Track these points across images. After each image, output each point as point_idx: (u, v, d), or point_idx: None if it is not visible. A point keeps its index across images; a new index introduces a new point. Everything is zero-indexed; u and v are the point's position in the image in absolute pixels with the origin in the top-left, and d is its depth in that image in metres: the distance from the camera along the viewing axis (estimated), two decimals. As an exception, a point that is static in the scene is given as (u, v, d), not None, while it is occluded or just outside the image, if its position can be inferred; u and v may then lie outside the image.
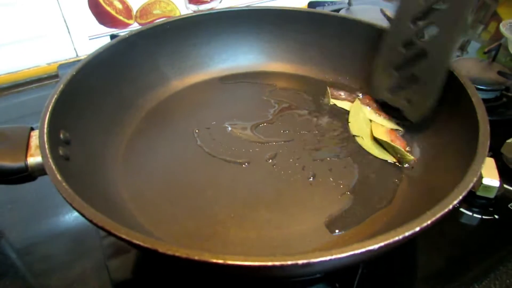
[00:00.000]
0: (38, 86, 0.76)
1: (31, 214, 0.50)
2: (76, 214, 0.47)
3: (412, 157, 0.47)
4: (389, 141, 0.49)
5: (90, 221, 0.28)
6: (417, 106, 0.49)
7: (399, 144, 0.49)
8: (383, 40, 0.52)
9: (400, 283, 0.41)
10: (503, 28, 0.79)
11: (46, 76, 0.78)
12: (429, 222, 0.27)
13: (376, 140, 0.51)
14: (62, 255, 0.44)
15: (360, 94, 0.58)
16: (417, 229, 0.26)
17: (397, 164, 0.48)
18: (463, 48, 0.86)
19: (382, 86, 0.53)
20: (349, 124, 0.54)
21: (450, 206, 0.28)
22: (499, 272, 0.43)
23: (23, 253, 0.45)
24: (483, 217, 0.48)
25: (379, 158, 0.49)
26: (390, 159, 0.49)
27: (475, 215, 0.48)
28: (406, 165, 0.47)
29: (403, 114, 0.52)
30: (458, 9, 0.43)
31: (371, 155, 0.49)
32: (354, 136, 0.52)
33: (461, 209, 0.49)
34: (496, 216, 0.48)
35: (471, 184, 0.30)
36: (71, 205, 0.30)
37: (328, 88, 0.58)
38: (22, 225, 0.48)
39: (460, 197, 0.29)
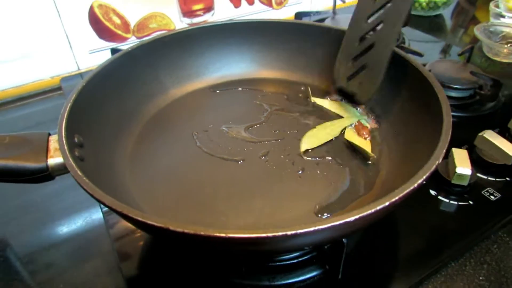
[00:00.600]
0: (42, 99, 0.79)
1: (37, 223, 0.52)
2: (81, 220, 0.52)
3: (372, 154, 0.52)
4: (355, 143, 0.53)
5: (110, 207, 0.32)
6: (367, 87, 0.56)
7: (364, 144, 0.54)
8: (345, 37, 0.58)
9: (383, 263, 0.45)
10: (477, 31, 0.84)
11: (49, 89, 0.81)
12: (397, 197, 0.31)
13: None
14: (69, 261, 0.47)
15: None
16: (387, 203, 0.31)
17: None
18: (445, 52, 0.91)
19: (341, 76, 0.59)
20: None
21: (415, 184, 0.32)
22: (473, 251, 0.47)
23: (28, 261, 0.47)
24: (459, 203, 0.52)
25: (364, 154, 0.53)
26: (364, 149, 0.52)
27: (452, 202, 0.52)
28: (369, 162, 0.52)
29: (356, 98, 0.58)
30: (401, 6, 0.51)
31: (353, 150, 0.53)
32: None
33: (440, 197, 0.52)
34: (471, 202, 0.52)
35: (434, 166, 0.34)
36: (92, 195, 0.34)
37: (308, 87, 0.63)
38: (28, 233, 0.51)
39: (424, 177, 0.33)
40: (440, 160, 0.36)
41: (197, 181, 0.49)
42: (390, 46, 0.53)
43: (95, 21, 0.81)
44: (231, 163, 0.51)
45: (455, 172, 0.52)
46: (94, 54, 0.84)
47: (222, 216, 0.44)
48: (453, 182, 0.53)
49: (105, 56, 0.82)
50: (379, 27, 0.54)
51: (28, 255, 0.48)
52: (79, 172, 0.36)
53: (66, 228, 0.51)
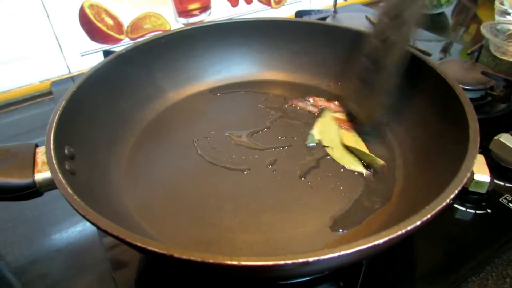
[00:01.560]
0: (32, 104, 0.76)
1: (30, 233, 0.49)
2: (76, 229, 0.49)
3: (382, 162, 0.48)
4: (357, 147, 0.50)
5: (105, 231, 0.29)
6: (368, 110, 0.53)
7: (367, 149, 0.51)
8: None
9: (401, 279, 0.42)
10: (483, 30, 0.82)
11: (39, 93, 0.78)
12: (429, 215, 0.28)
13: (347, 149, 0.51)
14: (63, 272, 0.45)
15: (332, 104, 0.59)
16: (418, 223, 0.27)
17: (367, 170, 0.49)
18: (446, 50, 0.89)
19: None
20: (321, 136, 0.54)
21: (448, 200, 0.29)
22: (495, 264, 0.44)
23: (21, 271, 0.45)
24: (477, 212, 0.49)
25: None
26: (359, 169, 0.49)
27: (468, 210, 0.49)
28: (369, 171, 0.49)
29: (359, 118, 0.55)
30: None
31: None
32: (324, 147, 0.52)
33: (455, 205, 0.50)
34: (489, 210, 0.49)
35: (466, 179, 0.31)
36: (84, 217, 0.31)
37: (290, 100, 0.59)
38: (22, 243, 0.48)
39: (456, 191, 0.30)
40: (471, 172, 0.32)
41: (199, 193, 0.46)
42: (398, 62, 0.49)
43: (86, 22, 0.78)
44: (236, 173, 0.48)
45: (473, 179, 0.49)
46: (86, 57, 0.82)
47: (228, 233, 0.41)
48: (470, 189, 0.50)
49: (98, 58, 0.79)
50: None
51: (20, 266, 0.46)
52: (69, 189, 0.33)
53: (59, 237, 0.48)
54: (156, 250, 0.27)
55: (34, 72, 0.78)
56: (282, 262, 0.25)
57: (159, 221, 0.42)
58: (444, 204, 0.29)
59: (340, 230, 0.41)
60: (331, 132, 0.55)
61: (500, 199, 0.51)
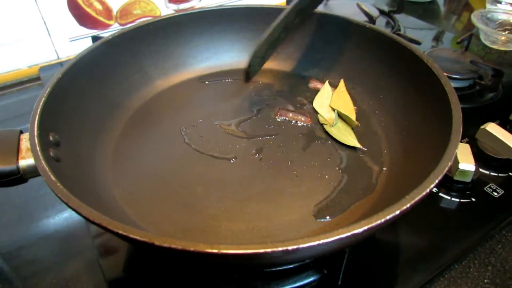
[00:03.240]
0: (20, 90, 0.75)
1: (17, 218, 0.49)
2: (64, 215, 0.48)
3: (356, 123, 0.52)
4: (339, 109, 0.52)
5: (87, 218, 0.29)
6: None
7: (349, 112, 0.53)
8: None
9: (384, 266, 0.43)
10: (474, 18, 0.82)
11: (27, 79, 0.77)
12: (408, 205, 0.28)
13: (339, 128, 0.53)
14: (52, 256, 0.45)
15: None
16: (397, 212, 0.28)
17: (359, 148, 0.50)
18: (438, 39, 0.89)
19: None
20: (313, 101, 0.57)
21: (427, 190, 0.30)
22: (477, 252, 0.45)
23: (10, 256, 0.45)
24: (461, 200, 0.50)
25: (362, 150, 0.50)
26: (351, 143, 0.50)
27: (453, 199, 0.50)
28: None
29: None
30: None
31: (353, 147, 0.50)
32: (322, 124, 0.54)
33: (440, 194, 0.50)
34: (473, 199, 0.50)
35: (446, 169, 0.31)
36: (67, 204, 0.31)
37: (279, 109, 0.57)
38: (9, 229, 0.48)
39: (436, 181, 0.30)
40: (452, 162, 0.33)
41: (185, 181, 0.46)
42: None
43: (74, 6, 0.77)
44: (222, 162, 0.48)
45: (458, 168, 0.49)
46: (74, 42, 0.80)
47: (213, 221, 0.41)
48: (455, 178, 0.50)
49: (86, 44, 0.77)
50: None
51: (8, 252, 0.46)
52: (52, 177, 0.32)
53: (46, 223, 0.48)
54: (138, 238, 0.27)
55: (22, 57, 0.76)
56: (261, 251, 0.26)
57: (145, 209, 0.42)
58: (423, 194, 0.29)
59: (325, 218, 0.41)
60: (324, 97, 0.57)
61: (485, 188, 0.51)
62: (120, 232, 0.28)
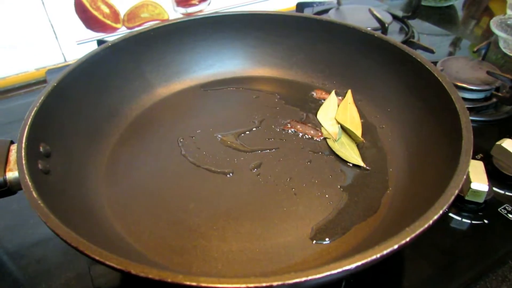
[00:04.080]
0: (27, 92, 0.76)
1: (18, 221, 0.48)
2: None
3: (361, 139, 0.50)
4: (345, 123, 0.51)
5: (64, 240, 0.28)
6: None
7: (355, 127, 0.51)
8: None
9: (387, 293, 0.40)
10: (493, 25, 0.78)
11: (34, 81, 0.78)
12: (407, 239, 0.26)
13: (343, 144, 0.51)
14: (54, 258, 0.44)
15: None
16: (395, 246, 0.26)
17: (363, 166, 0.48)
18: (455, 46, 0.85)
19: None
20: (317, 113, 0.55)
21: (430, 222, 0.27)
22: (488, 279, 0.42)
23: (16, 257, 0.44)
24: (473, 222, 0.47)
25: (365, 169, 0.48)
26: (354, 161, 0.48)
27: (464, 220, 0.47)
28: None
29: None
30: None
31: (357, 165, 0.48)
32: (325, 138, 0.52)
33: (450, 214, 0.48)
34: (486, 221, 0.47)
35: (453, 197, 0.29)
36: (45, 223, 0.29)
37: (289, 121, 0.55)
38: (10, 231, 0.47)
39: (441, 212, 0.28)
40: (460, 189, 0.30)
41: (179, 197, 0.44)
42: None
43: (82, 10, 0.77)
44: (219, 176, 0.46)
45: (470, 188, 0.47)
46: (82, 45, 0.80)
47: (204, 240, 0.39)
48: (466, 198, 0.48)
49: (94, 47, 0.77)
50: None
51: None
52: (34, 193, 0.31)
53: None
54: (114, 265, 0.26)
55: (30, 60, 0.77)
56: (243, 286, 0.24)
57: (135, 223, 0.41)
58: (425, 226, 0.27)
59: (324, 241, 0.39)
60: (330, 109, 0.55)
61: (499, 209, 0.48)
62: (97, 258, 0.26)
